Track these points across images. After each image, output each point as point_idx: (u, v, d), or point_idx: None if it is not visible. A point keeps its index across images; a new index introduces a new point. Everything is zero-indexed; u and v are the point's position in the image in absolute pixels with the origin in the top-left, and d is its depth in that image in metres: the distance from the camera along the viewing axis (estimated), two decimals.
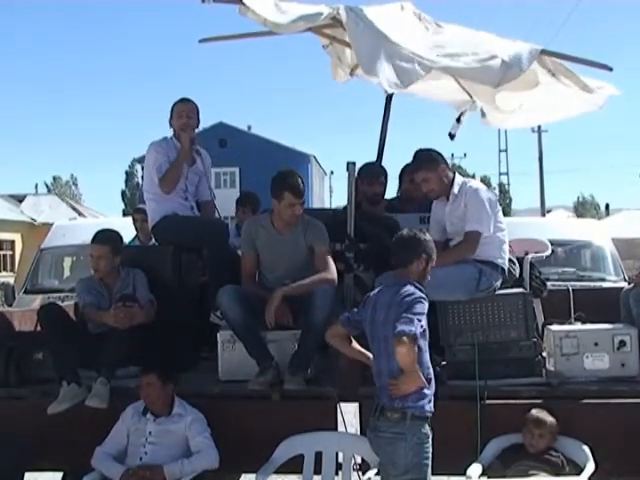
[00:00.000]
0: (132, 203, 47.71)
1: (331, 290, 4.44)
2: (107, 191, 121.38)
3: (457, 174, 4.80)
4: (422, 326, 3.58)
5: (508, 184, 42.05)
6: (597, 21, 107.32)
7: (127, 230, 7.11)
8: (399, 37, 4.37)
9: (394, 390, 3.61)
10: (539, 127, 30.71)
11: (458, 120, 6.12)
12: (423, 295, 3.68)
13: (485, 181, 40.76)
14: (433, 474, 3.84)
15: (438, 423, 3.83)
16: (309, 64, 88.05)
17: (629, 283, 5.12)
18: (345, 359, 4.30)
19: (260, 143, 45.86)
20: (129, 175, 58.95)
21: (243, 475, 5.11)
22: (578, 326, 4.64)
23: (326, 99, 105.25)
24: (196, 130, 5.32)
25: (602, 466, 3.93)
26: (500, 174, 40.22)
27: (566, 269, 8.73)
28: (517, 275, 4.82)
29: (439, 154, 4.78)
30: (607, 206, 40.57)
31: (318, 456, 4.19)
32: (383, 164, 5.87)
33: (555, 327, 4.60)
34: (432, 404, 3.69)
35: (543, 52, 4.84)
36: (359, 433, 4.33)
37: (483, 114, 6.18)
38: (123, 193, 59.26)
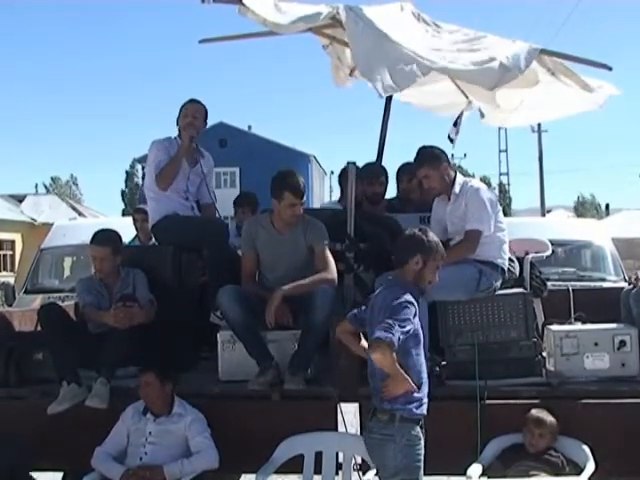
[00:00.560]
0: (132, 203, 47.70)
1: (331, 290, 4.43)
2: (107, 191, 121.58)
3: (458, 174, 4.80)
4: (406, 332, 3.50)
5: (508, 184, 42.01)
6: (597, 21, 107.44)
7: (127, 230, 7.12)
8: (399, 37, 4.37)
9: (384, 392, 3.61)
10: (539, 127, 30.69)
11: (455, 124, 6.13)
12: (410, 299, 3.61)
13: (485, 181, 40.73)
14: (433, 474, 3.85)
15: (438, 423, 3.83)
16: (309, 64, 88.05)
17: (629, 284, 5.12)
18: (345, 359, 4.30)
19: (260, 143, 45.85)
20: (129, 175, 58.99)
21: (243, 475, 5.11)
22: (578, 326, 4.64)
23: (326, 99, 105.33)
24: (201, 132, 5.33)
25: (602, 466, 3.92)
26: (500, 174, 40.21)
27: (566, 269, 8.72)
28: (517, 274, 4.82)
29: (442, 152, 4.78)
30: (607, 206, 40.60)
31: (318, 456, 4.19)
32: (383, 164, 5.87)
33: (555, 327, 4.60)
34: (424, 407, 3.66)
35: (543, 52, 4.84)
36: (359, 433, 4.33)
37: (482, 114, 6.19)
38: (123, 193, 59.29)
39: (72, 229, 10.69)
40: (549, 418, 4.05)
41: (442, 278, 4.32)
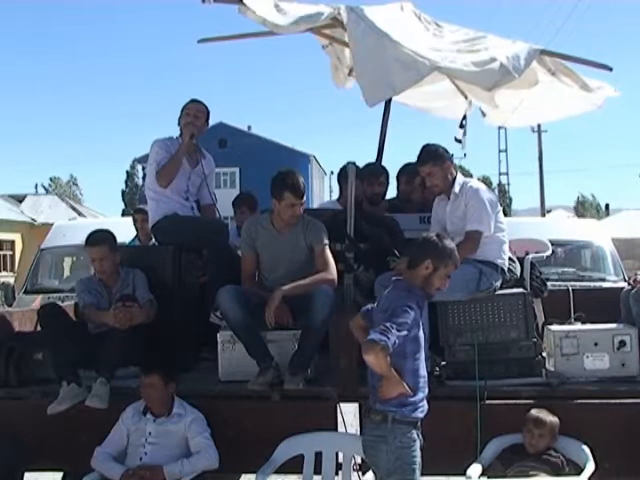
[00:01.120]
0: (132, 203, 47.73)
1: (331, 290, 4.43)
2: (108, 191, 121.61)
3: (459, 173, 4.81)
4: (403, 335, 3.46)
5: (508, 184, 41.95)
6: (597, 21, 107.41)
7: (127, 230, 7.13)
8: (399, 37, 4.38)
9: (378, 393, 3.59)
10: (539, 127, 30.70)
11: (461, 125, 6.13)
12: (411, 304, 3.56)
13: (486, 181, 40.72)
14: (433, 474, 3.84)
15: (438, 423, 3.83)
16: (309, 64, 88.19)
17: (629, 284, 5.12)
18: (345, 359, 4.31)
19: (260, 143, 45.87)
20: (130, 175, 59.00)
21: (243, 475, 5.11)
22: (578, 326, 4.64)
23: (326, 99, 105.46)
24: (202, 132, 5.33)
25: (602, 466, 3.92)
26: (500, 174, 40.18)
27: (566, 269, 8.72)
28: (518, 274, 4.82)
29: (446, 151, 4.78)
30: (607, 206, 40.59)
31: (318, 456, 4.19)
32: (383, 164, 5.87)
33: (555, 327, 4.60)
34: (419, 411, 3.62)
35: (543, 52, 4.85)
36: (359, 433, 4.33)
37: (483, 114, 6.20)
38: (123, 193, 59.30)
39: (72, 229, 10.67)
40: (549, 418, 4.05)
41: None
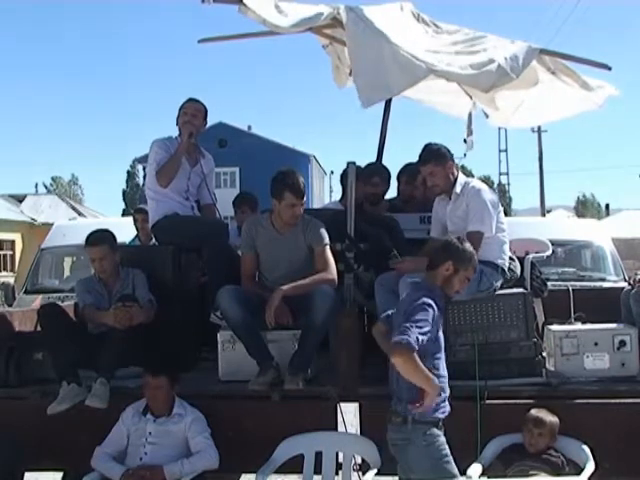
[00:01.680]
0: (132, 203, 47.72)
1: (331, 290, 4.43)
2: (109, 191, 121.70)
3: (460, 174, 4.80)
4: (424, 332, 3.48)
5: (508, 184, 41.89)
6: (597, 21, 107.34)
7: (127, 230, 7.13)
8: (398, 39, 4.38)
9: (419, 409, 3.56)
10: (539, 127, 30.65)
11: (469, 126, 6.13)
12: (429, 302, 3.59)
13: (487, 181, 40.66)
14: None
15: None
16: (309, 64, 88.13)
17: (629, 284, 5.12)
18: (345, 359, 4.30)
19: (260, 143, 45.82)
20: (130, 175, 59.03)
21: (243, 475, 5.10)
22: (578, 326, 4.63)
23: (326, 99, 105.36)
24: (201, 131, 5.32)
25: (602, 466, 3.92)
26: (500, 174, 40.13)
27: (566, 269, 8.71)
28: (519, 274, 4.81)
29: (448, 150, 4.78)
30: (607, 206, 40.55)
31: (318, 456, 4.19)
32: (383, 164, 5.86)
33: (555, 327, 4.60)
34: (441, 411, 3.66)
35: (542, 52, 4.84)
36: (359, 433, 4.33)
37: (486, 115, 6.19)
38: (124, 193, 59.33)
39: (72, 229, 10.66)
40: (548, 418, 4.05)
41: None
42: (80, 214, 31.61)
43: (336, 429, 4.36)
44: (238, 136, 45.00)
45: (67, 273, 10.69)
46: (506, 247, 4.72)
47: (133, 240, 7.22)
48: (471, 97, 6.00)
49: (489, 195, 4.69)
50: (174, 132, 5.32)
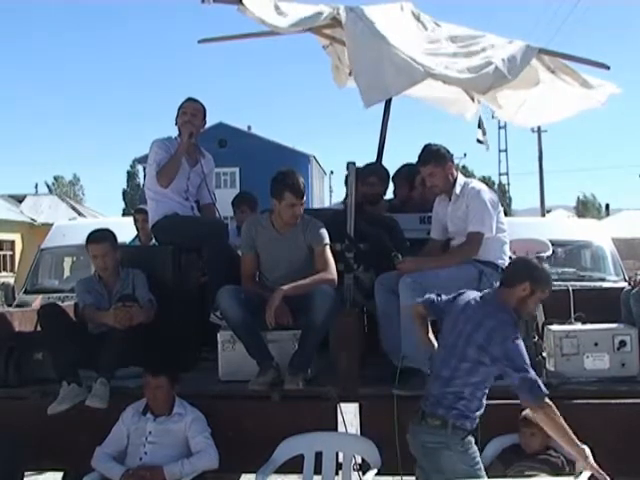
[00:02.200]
0: (133, 203, 47.71)
1: (331, 290, 4.42)
2: (110, 191, 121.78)
3: (460, 174, 4.80)
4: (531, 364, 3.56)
5: (508, 184, 41.87)
6: (597, 21, 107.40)
7: (127, 230, 7.13)
8: (397, 40, 4.38)
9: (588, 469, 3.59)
10: (539, 127, 30.64)
11: (479, 125, 6.14)
12: (516, 331, 3.59)
13: (487, 181, 40.64)
14: None
15: None
16: (309, 64, 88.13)
17: (629, 284, 5.12)
18: (345, 359, 4.30)
19: (260, 143, 45.82)
20: (130, 175, 59.05)
21: (243, 475, 5.11)
22: (578, 326, 4.63)
23: (326, 99, 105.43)
24: (200, 131, 5.32)
25: (602, 466, 3.92)
26: (500, 174, 40.13)
27: (566, 269, 8.70)
28: None
29: (448, 151, 4.78)
30: (607, 206, 40.49)
31: (318, 456, 4.19)
32: (383, 164, 5.86)
33: (555, 327, 4.59)
34: (475, 424, 3.70)
35: (541, 51, 4.84)
36: (359, 433, 4.33)
37: (492, 112, 6.21)
38: (124, 193, 59.35)
39: (72, 229, 10.67)
40: None
41: (442, 278, 4.33)
42: (80, 214, 31.61)
43: (336, 429, 4.36)
44: (238, 136, 45.07)
45: (67, 273, 10.70)
46: (506, 247, 4.72)
47: (133, 240, 7.22)
48: (472, 99, 6.01)
49: (489, 195, 4.68)
50: (174, 132, 5.31)
